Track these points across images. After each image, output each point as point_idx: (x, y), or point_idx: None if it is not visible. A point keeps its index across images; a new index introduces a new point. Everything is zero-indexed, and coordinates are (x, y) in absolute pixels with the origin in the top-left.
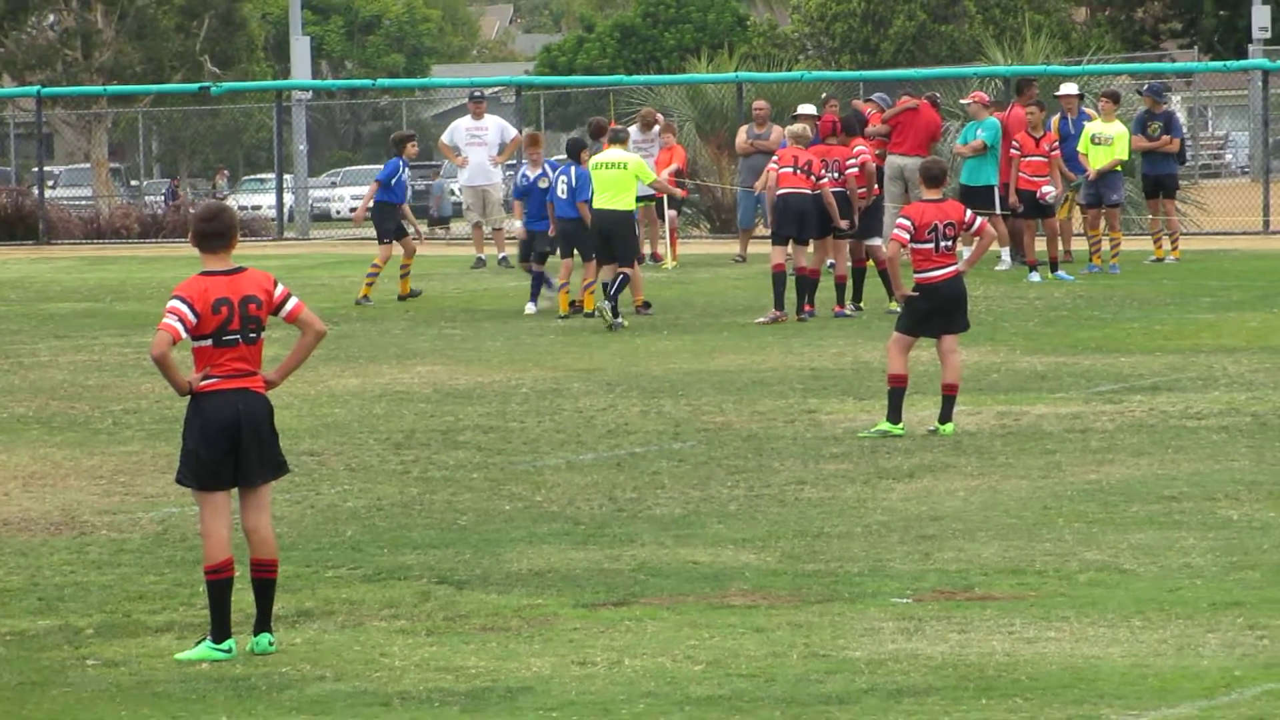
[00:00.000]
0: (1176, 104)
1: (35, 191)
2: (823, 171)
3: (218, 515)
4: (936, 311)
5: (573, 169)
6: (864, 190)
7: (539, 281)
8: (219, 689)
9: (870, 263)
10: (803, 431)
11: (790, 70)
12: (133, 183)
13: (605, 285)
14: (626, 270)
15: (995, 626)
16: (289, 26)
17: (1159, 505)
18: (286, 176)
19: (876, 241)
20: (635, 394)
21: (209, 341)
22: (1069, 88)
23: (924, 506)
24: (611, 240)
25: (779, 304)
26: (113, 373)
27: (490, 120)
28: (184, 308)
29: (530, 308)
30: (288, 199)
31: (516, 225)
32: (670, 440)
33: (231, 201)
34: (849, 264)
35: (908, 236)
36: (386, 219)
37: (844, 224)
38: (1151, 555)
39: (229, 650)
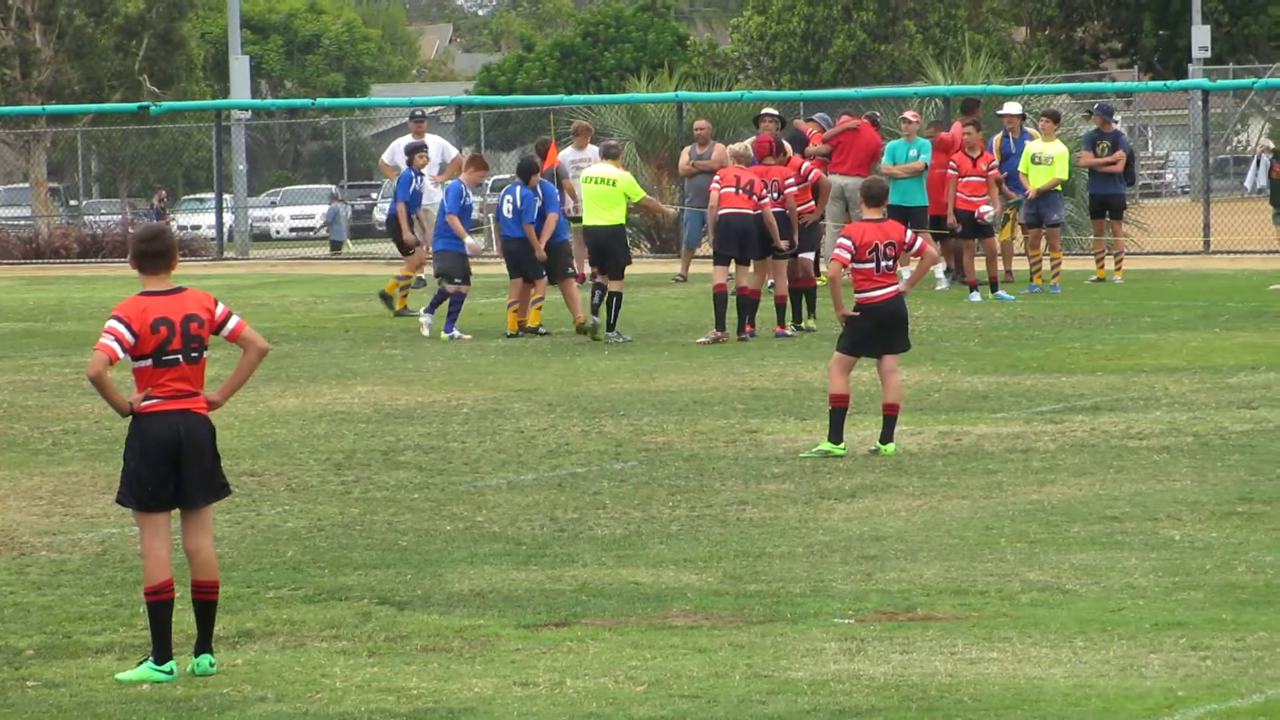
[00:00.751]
0: (1117, 123)
1: None
2: (764, 191)
3: (158, 536)
4: (878, 331)
5: (518, 189)
6: (812, 205)
7: (441, 299)
8: (160, 710)
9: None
10: (744, 451)
11: (730, 90)
12: (72, 202)
13: (593, 301)
14: (615, 286)
15: (938, 647)
16: (228, 46)
17: (1101, 525)
18: (226, 196)
19: (809, 256)
20: (576, 414)
21: (149, 361)
22: (1012, 107)
23: (866, 527)
24: (603, 254)
25: (720, 324)
26: (52, 393)
27: (431, 140)
28: (121, 328)
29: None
30: (227, 219)
31: (471, 242)
32: (612, 460)
33: (171, 221)
34: (788, 284)
35: (848, 256)
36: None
37: (784, 244)
38: (1094, 575)
39: (170, 671)
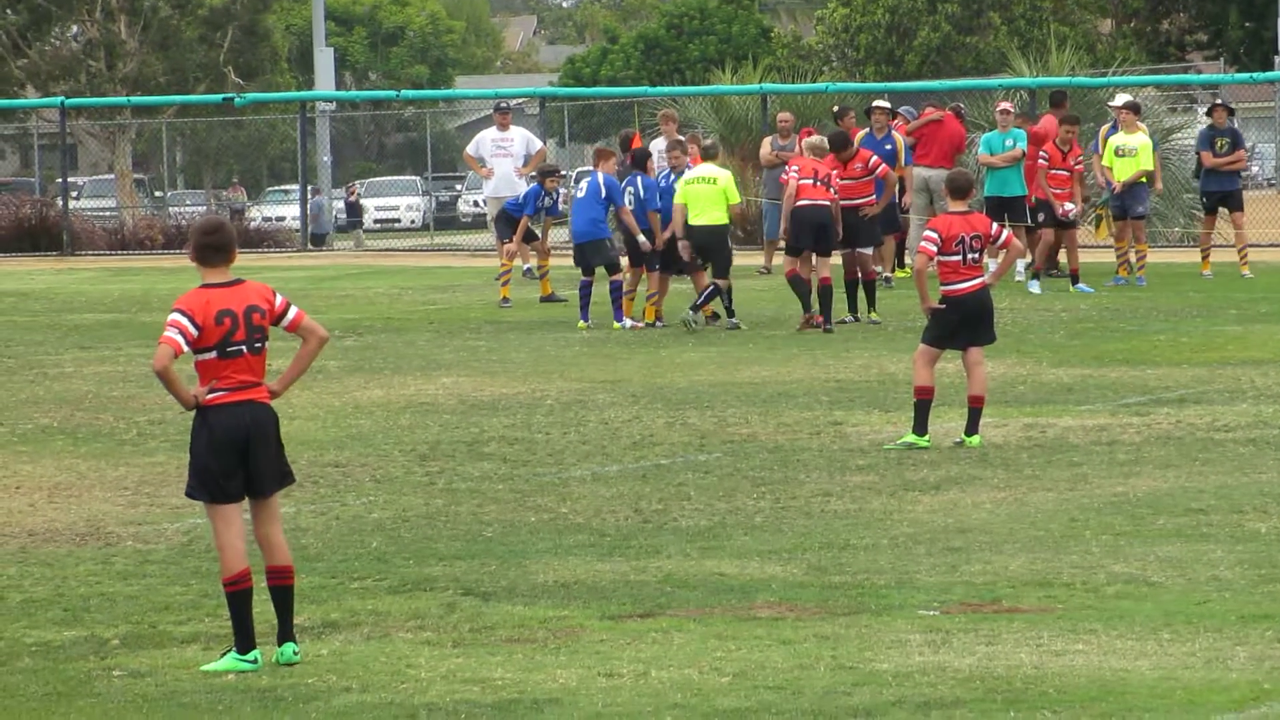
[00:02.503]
0: (1202, 116)
1: (59, 202)
2: (838, 183)
3: (231, 526)
4: (963, 324)
5: (639, 179)
6: (873, 199)
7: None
8: (245, 700)
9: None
10: (828, 443)
11: (814, 82)
12: (157, 194)
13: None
14: (719, 281)
15: (1023, 639)
16: (312, 38)
17: (1186, 518)
18: (310, 187)
19: (867, 251)
20: (660, 405)
21: (213, 354)
22: (1123, 99)
23: (950, 519)
24: (708, 254)
25: (808, 305)
26: (137, 384)
27: (516, 131)
28: (185, 320)
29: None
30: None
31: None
32: (696, 452)
33: (255, 213)
34: (845, 277)
35: (935, 249)
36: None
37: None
38: (1179, 568)
39: (254, 661)
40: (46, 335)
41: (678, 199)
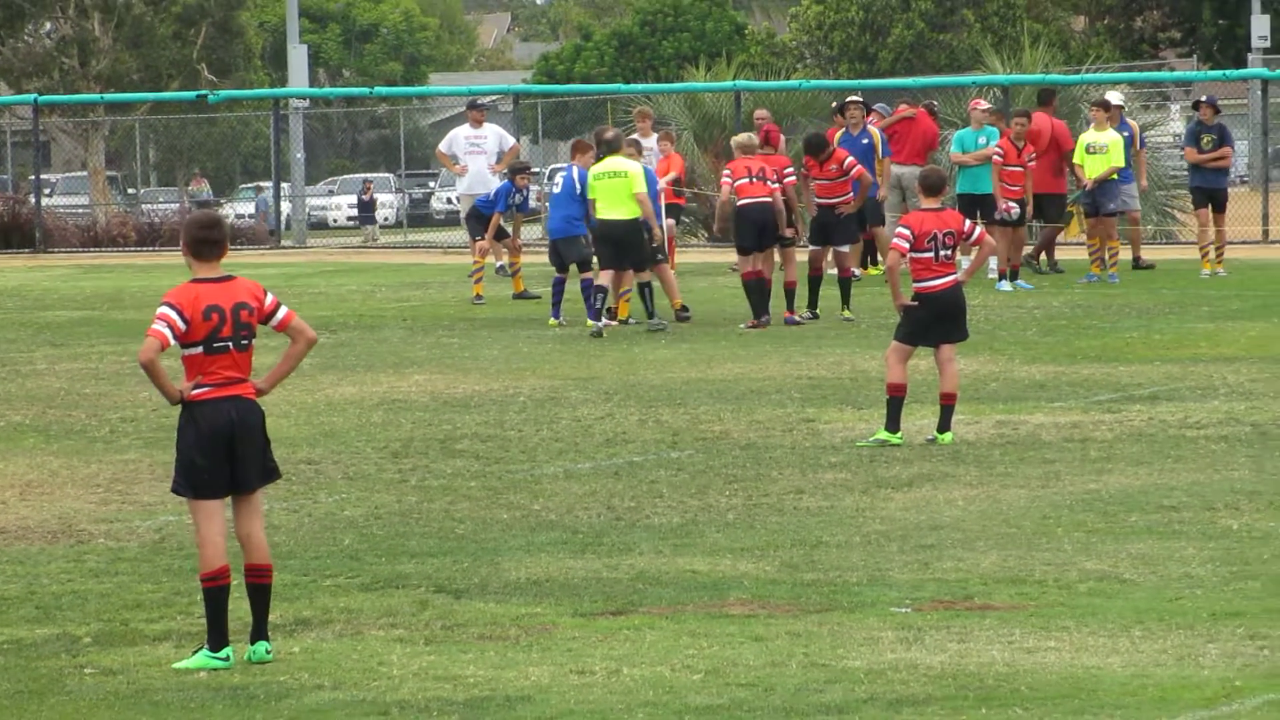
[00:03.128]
0: (1175, 113)
1: (32, 199)
2: (773, 176)
3: (213, 522)
4: (935, 321)
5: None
6: (850, 198)
7: (559, 290)
8: (217, 698)
9: (833, 270)
10: (801, 440)
11: (788, 79)
12: (129, 191)
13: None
14: (644, 276)
15: (995, 636)
16: (286, 34)
17: (1158, 515)
18: (284, 184)
19: (845, 250)
20: (633, 403)
21: (199, 349)
22: (1113, 97)
23: (923, 516)
24: (622, 249)
25: (759, 311)
26: (109, 381)
27: (489, 129)
28: (173, 314)
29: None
30: (285, 207)
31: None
32: (668, 449)
33: (228, 209)
34: (809, 272)
35: (907, 245)
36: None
37: (789, 232)
38: (1151, 565)
39: (227, 659)
40: (18, 333)
41: (590, 194)
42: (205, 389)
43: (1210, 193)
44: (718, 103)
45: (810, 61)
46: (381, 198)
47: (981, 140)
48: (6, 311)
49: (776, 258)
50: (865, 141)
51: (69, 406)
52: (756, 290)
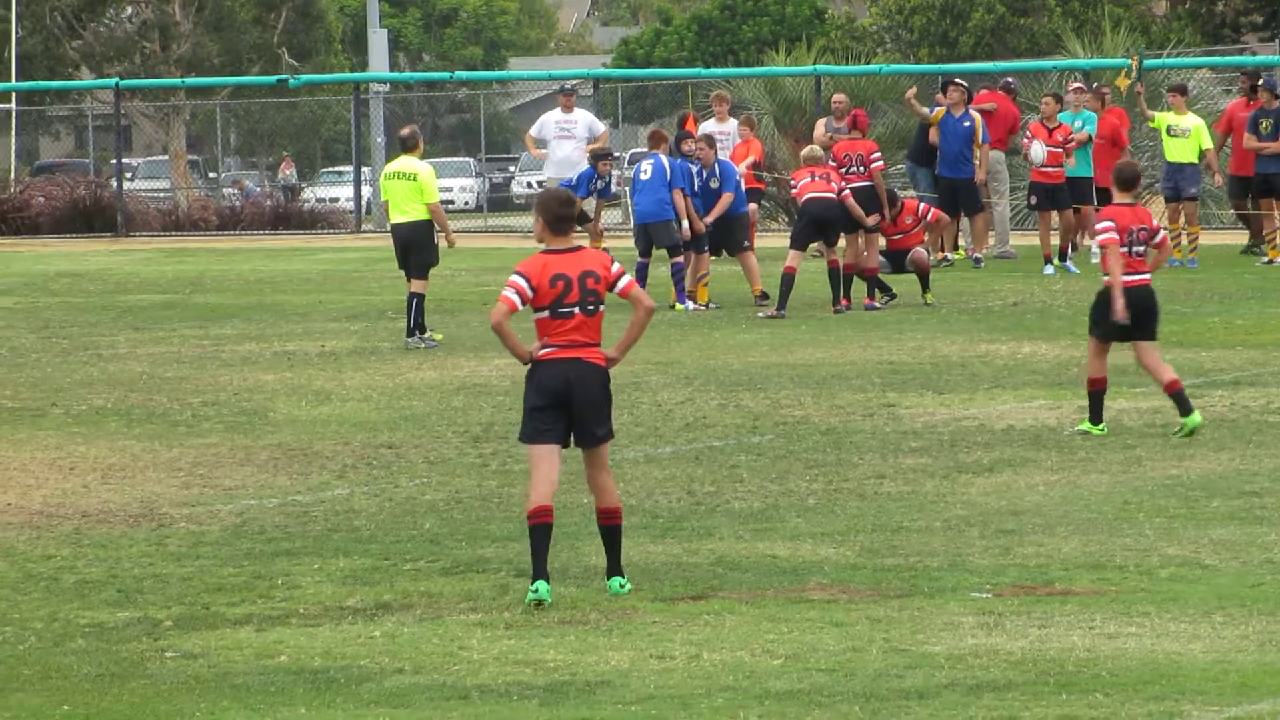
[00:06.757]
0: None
1: (114, 183)
2: (850, 165)
3: (539, 467)
4: (1131, 318)
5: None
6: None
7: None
8: (298, 681)
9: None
10: (881, 425)
11: (868, 64)
12: (210, 175)
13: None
14: (418, 286)
15: (1075, 622)
16: (366, 19)
17: (1240, 500)
18: (364, 169)
19: (922, 252)
20: (713, 387)
21: (546, 313)
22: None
23: (1004, 501)
24: (408, 252)
25: (781, 304)
26: (191, 365)
27: (580, 114)
28: (522, 281)
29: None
30: (365, 191)
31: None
32: (749, 434)
33: (308, 193)
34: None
35: (1117, 239)
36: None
37: (871, 220)
38: (1233, 550)
39: (536, 590)
40: (100, 316)
41: (382, 195)
42: (550, 349)
43: (1269, 179)
44: (798, 87)
45: (890, 46)
46: (462, 182)
47: (1077, 124)
48: (89, 295)
49: (860, 242)
50: (967, 125)
51: (151, 390)
52: (787, 284)
